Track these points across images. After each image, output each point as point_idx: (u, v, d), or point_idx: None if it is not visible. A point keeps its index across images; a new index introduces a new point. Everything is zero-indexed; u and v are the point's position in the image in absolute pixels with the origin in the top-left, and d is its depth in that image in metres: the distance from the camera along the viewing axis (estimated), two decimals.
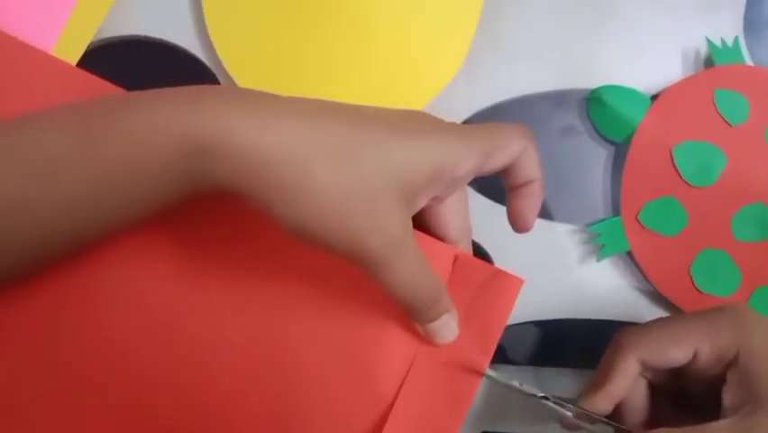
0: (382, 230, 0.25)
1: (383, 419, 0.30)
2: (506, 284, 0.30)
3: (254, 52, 0.35)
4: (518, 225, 0.30)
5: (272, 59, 0.35)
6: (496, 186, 0.37)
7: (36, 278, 0.29)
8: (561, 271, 0.38)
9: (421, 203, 0.27)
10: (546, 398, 0.30)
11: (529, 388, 0.31)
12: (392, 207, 0.25)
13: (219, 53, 0.35)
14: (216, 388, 0.30)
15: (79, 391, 0.30)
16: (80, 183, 0.24)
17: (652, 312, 0.39)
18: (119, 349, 0.30)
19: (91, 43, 0.35)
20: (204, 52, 0.36)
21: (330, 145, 0.24)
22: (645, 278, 0.38)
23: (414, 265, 0.26)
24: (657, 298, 0.38)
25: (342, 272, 0.29)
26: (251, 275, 0.30)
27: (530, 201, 0.29)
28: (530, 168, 0.28)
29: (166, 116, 0.24)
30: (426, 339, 0.30)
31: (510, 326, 0.38)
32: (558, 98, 0.38)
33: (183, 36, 0.36)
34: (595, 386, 0.32)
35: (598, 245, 0.38)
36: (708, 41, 0.38)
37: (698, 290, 0.37)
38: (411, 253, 0.26)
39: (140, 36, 0.36)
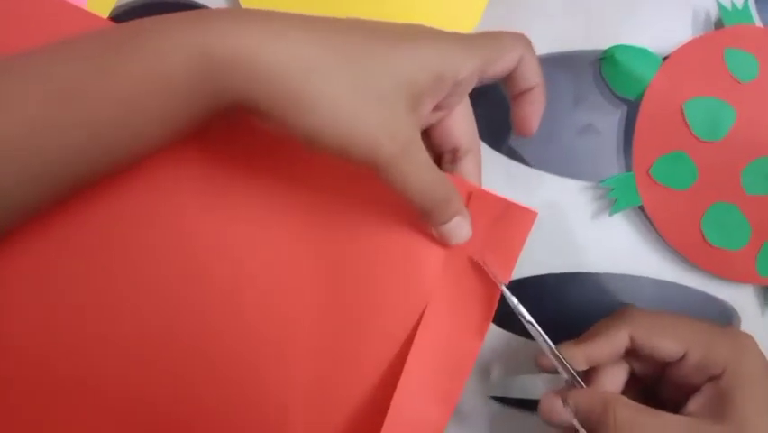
0: (392, 132, 0.26)
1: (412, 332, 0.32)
2: (520, 216, 0.32)
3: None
4: (523, 130, 0.32)
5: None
6: (513, 146, 0.39)
7: (62, 209, 0.30)
8: (574, 226, 0.39)
9: (426, 108, 0.28)
10: (533, 325, 0.31)
11: (524, 311, 0.32)
12: (399, 110, 0.26)
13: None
14: (260, 313, 0.32)
15: (109, 316, 0.31)
16: (103, 101, 0.24)
17: (663, 266, 0.39)
18: (145, 278, 0.31)
19: (120, 5, 0.36)
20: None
21: (337, 54, 0.25)
22: (657, 232, 0.39)
23: (424, 167, 0.28)
24: (668, 251, 0.39)
25: (366, 192, 0.31)
26: (275, 198, 0.32)
27: (533, 107, 0.31)
28: (530, 74, 0.30)
29: (180, 35, 0.25)
30: (442, 242, 0.31)
31: (525, 279, 0.39)
32: (572, 59, 0.39)
33: None
34: (579, 340, 0.32)
35: (611, 200, 0.39)
36: (719, 3, 0.39)
37: (708, 243, 0.38)
38: (420, 153, 0.27)
39: None
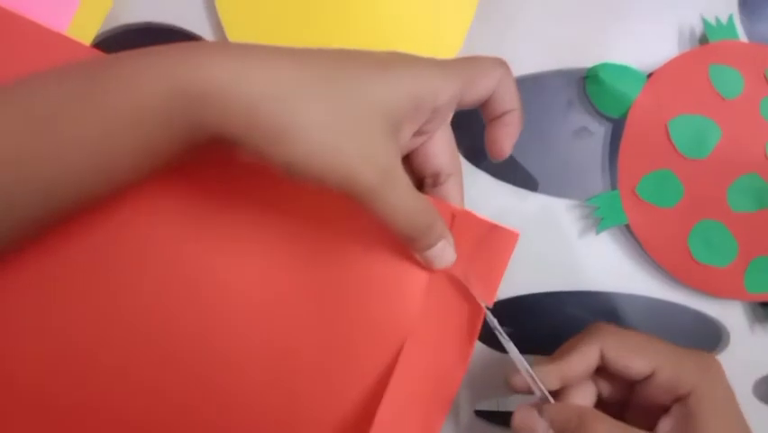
0: (371, 158, 0.26)
1: (395, 357, 0.32)
2: (503, 238, 0.32)
3: (264, 38, 0.36)
4: (495, 151, 0.31)
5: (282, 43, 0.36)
6: (497, 165, 0.39)
7: (47, 240, 0.30)
8: (561, 245, 0.39)
9: (406, 134, 0.28)
10: (510, 343, 0.31)
11: (500, 329, 0.31)
12: (378, 135, 0.26)
13: (229, 38, 0.36)
14: (236, 338, 0.32)
15: (102, 355, 0.31)
16: (80, 129, 0.24)
17: (650, 284, 0.39)
18: (136, 309, 0.31)
19: (104, 32, 0.36)
20: (214, 37, 0.37)
21: (313, 83, 0.25)
22: (644, 250, 0.38)
23: (405, 192, 0.27)
24: (655, 269, 0.39)
25: (348, 216, 0.31)
26: (261, 225, 0.32)
27: (507, 129, 0.30)
28: (507, 97, 0.30)
29: (156, 68, 0.25)
30: (427, 267, 0.31)
31: (512, 298, 0.39)
32: (556, 77, 0.39)
33: (194, 21, 0.37)
34: (552, 357, 0.32)
35: (597, 219, 0.38)
36: (703, 19, 0.39)
37: (695, 261, 0.38)
38: (401, 180, 0.27)
39: (150, 23, 0.37)
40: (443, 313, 0.33)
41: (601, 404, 0.33)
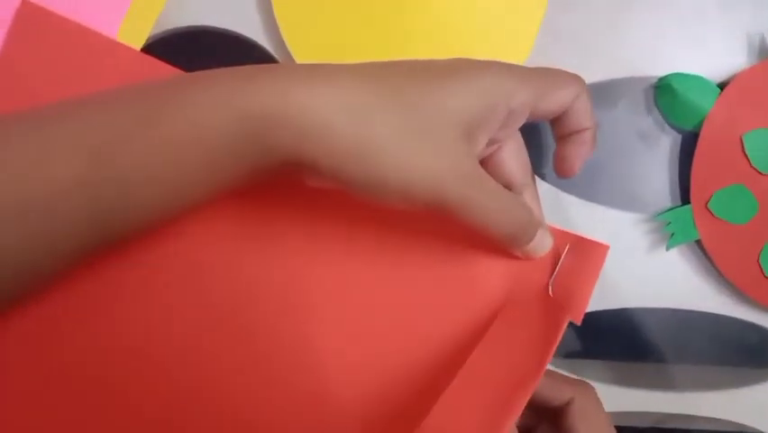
0: (457, 167, 0.25)
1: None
2: (591, 251, 0.30)
3: (323, 43, 0.34)
4: (564, 170, 0.30)
5: (341, 49, 0.35)
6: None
7: (101, 263, 0.30)
8: (629, 261, 0.38)
9: (482, 141, 0.26)
10: None
11: None
12: (459, 143, 0.25)
13: (288, 43, 0.34)
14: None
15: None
16: (140, 159, 0.23)
17: (720, 301, 0.38)
18: (225, 318, 0.31)
19: (155, 34, 0.34)
20: (269, 41, 0.35)
21: (385, 95, 0.24)
22: (715, 267, 0.37)
23: (497, 192, 0.26)
24: (726, 286, 0.38)
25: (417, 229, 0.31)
26: (336, 237, 0.32)
27: (580, 148, 0.29)
28: (583, 115, 0.28)
29: (225, 89, 0.23)
30: (525, 259, 0.31)
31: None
32: (625, 86, 0.38)
33: (246, 24, 0.35)
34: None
35: (667, 234, 0.37)
36: None
37: (767, 278, 0.37)
38: (489, 182, 0.26)
39: (203, 26, 0.35)
40: (520, 324, 0.31)
41: None
